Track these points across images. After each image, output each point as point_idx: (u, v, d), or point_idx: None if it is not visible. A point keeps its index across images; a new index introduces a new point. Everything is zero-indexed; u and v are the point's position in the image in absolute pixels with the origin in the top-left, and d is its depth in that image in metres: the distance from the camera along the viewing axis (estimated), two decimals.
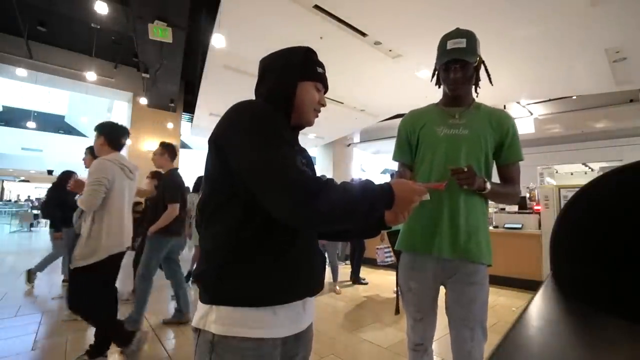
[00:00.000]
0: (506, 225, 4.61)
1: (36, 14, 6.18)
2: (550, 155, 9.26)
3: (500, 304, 3.71)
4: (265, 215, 0.71)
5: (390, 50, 4.61)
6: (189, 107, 9.37)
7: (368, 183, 0.72)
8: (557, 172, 10.55)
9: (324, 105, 0.90)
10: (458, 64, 1.18)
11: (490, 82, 1.28)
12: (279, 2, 3.61)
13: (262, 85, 0.87)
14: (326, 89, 0.92)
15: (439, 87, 1.32)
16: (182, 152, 9.96)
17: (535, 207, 4.61)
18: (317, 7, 3.68)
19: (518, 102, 7.38)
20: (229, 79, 5.82)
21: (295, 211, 0.63)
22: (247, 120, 0.72)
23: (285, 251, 0.75)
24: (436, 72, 1.30)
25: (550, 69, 5.00)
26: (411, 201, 0.75)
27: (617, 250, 0.26)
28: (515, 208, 4.78)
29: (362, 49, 4.58)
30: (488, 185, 1.18)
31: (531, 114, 7.79)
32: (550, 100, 7.14)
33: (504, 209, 4.90)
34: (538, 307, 0.28)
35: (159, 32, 4.69)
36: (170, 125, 9.15)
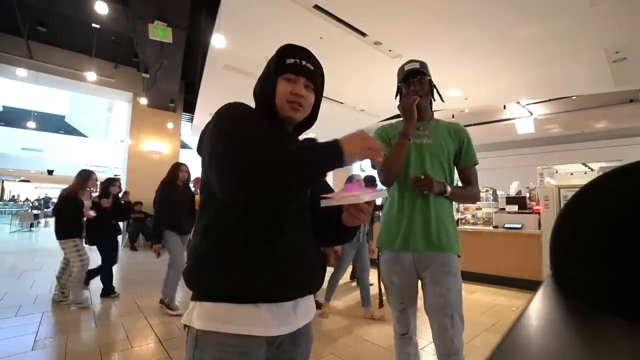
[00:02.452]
0: (506, 225, 4.61)
1: (36, 14, 6.18)
2: (550, 155, 9.25)
3: (500, 304, 3.71)
4: (242, 213, 0.74)
5: (390, 50, 4.61)
6: (189, 107, 9.37)
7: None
8: (557, 172, 10.54)
9: (298, 94, 0.84)
10: (416, 78, 1.44)
11: (442, 99, 1.55)
12: (279, 2, 3.62)
13: (257, 87, 0.91)
14: (307, 77, 0.86)
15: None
16: (182, 152, 9.95)
17: (535, 207, 4.61)
18: (317, 7, 3.68)
19: (518, 102, 7.39)
20: (229, 79, 5.83)
21: (223, 178, 0.64)
22: (212, 122, 0.75)
23: (269, 248, 0.74)
24: (399, 94, 1.55)
25: (550, 69, 5.00)
26: (363, 141, 0.68)
27: (617, 250, 0.26)
28: (515, 208, 4.78)
29: (362, 49, 4.58)
30: (448, 189, 1.37)
31: (531, 114, 7.79)
32: (550, 100, 7.14)
33: (503, 209, 4.90)
34: (538, 307, 0.28)
35: (159, 32, 4.70)
36: (170, 125, 9.15)
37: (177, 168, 3.46)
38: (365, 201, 0.73)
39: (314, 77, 0.87)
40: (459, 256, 1.40)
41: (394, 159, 1.38)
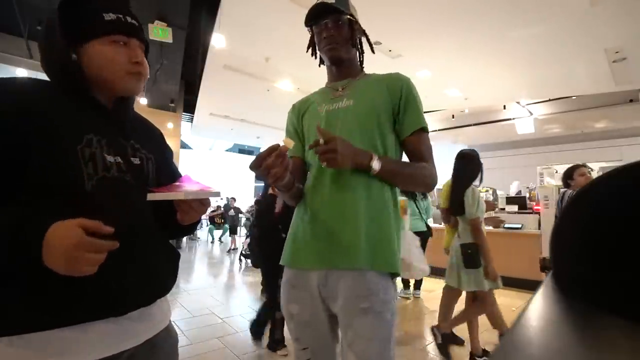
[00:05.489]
0: (506, 226, 4.62)
1: (36, 14, 6.18)
2: (550, 155, 9.26)
3: (500, 304, 3.69)
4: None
5: (390, 50, 4.61)
6: (189, 107, 9.38)
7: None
8: (557, 172, 10.55)
9: (138, 62, 0.65)
10: (327, 18, 0.96)
11: (372, 49, 1.11)
12: (278, 2, 3.62)
13: (40, 54, 0.65)
14: (137, 36, 0.66)
15: (320, 65, 1.11)
16: (182, 152, 9.97)
17: (535, 207, 4.61)
18: None
19: (518, 102, 7.39)
20: (229, 79, 5.83)
21: None
22: None
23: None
24: (310, 47, 1.07)
25: (550, 69, 5.01)
26: (74, 256, 0.50)
27: (618, 250, 0.26)
28: (515, 208, 4.78)
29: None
30: (375, 164, 0.83)
31: (531, 114, 7.80)
32: (550, 100, 7.14)
33: (503, 209, 4.89)
34: (538, 307, 0.28)
35: (159, 32, 4.70)
36: (170, 125, 9.15)
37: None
38: (188, 198, 0.66)
39: (142, 34, 0.68)
40: (396, 274, 0.88)
41: (282, 188, 0.91)
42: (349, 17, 0.97)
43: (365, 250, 0.83)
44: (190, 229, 0.79)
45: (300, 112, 1.06)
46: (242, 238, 8.16)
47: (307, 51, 1.08)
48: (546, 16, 3.68)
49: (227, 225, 8.94)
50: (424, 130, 0.94)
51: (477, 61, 4.83)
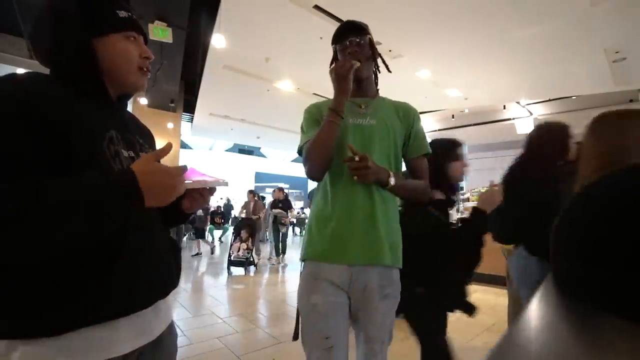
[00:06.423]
0: None
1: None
2: None
3: (500, 304, 3.71)
4: None
5: (390, 51, 4.61)
6: (189, 107, 9.37)
7: (87, 185, 0.50)
8: None
9: (149, 58, 0.69)
10: (354, 37, 1.09)
11: (388, 69, 1.22)
12: (279, 2, 3.62)
13: (40, 44, 0.64)
14: (144, 34, 0.70)
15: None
16: (182, 152, 9.97)
17: None
18: (317, 7, 3.68)
19: (518, 102, 7.39)
20: (229, 79, 5.83)
21: None
22: None
23: (111, 254, 0.58)
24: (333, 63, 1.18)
25: (550, 69, 5.01)
26: (168, 185, 0.55)
27: (616, 250, 0.26)
28: None
29: None
30: (392, 180, 1.01)
31: (531, 114, 7.80)
32: (550, 100, 7.15)
33: None
34: (538, 307, 0.28)
35: (159, 32, 4.70)
36: (170, 125, 9.16)
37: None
38: (209, 187, 0.74)
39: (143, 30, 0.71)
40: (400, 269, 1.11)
41: (321, 142, 1.01)
42: (370, 37, 1.13)
43: (388, 249, 1.04)
44: (189, 216, 0.85)
45: (322, 112, 1.14)
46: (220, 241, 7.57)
47: (330, 67, 1.15)
48: (546, 16, 3.68)
49: (191, 227, 7.96)
50: (426, 155, 1.16)
51: (477, 61, 4.83)
